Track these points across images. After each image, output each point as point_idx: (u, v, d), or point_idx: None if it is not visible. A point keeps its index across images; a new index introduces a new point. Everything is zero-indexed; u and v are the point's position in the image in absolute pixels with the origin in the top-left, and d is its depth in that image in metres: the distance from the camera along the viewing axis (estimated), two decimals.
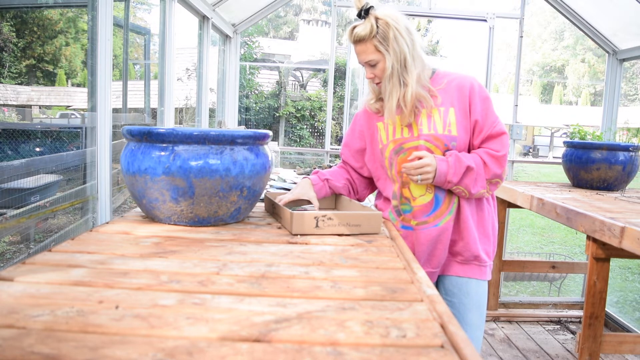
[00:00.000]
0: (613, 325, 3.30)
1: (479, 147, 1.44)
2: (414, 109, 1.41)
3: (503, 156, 1.41)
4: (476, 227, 1.48)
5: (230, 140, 1.24)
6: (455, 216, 1.46)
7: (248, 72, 11.24)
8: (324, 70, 12.00)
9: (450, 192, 1.44)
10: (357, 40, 1.37)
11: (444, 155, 1.42)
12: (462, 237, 1.47)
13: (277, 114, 11.79)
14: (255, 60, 11.41)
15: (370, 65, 1.40)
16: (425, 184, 1.41)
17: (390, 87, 1.39)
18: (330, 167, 2.97)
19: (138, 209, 1.48)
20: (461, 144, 1.42)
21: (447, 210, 1.45)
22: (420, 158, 1.38)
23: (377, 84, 1.45)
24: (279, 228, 1.32)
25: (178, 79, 8.98)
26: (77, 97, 11.51)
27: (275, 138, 8.90)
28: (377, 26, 1.34)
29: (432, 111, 1.42)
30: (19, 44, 11.00)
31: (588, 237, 1.96)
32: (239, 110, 4.70)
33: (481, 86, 1.44)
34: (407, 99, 1.38)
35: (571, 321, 3.41)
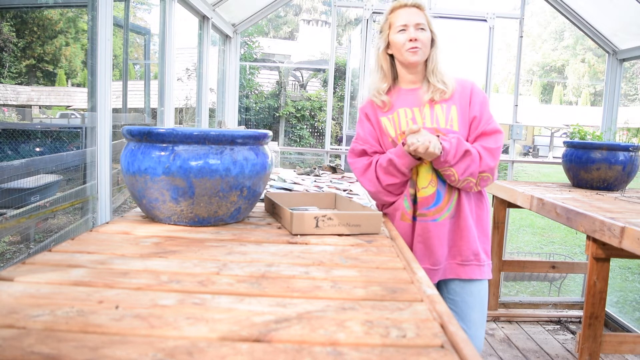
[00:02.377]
0: (613, 325, 3.30)
1: (474, 142, 1.50)
2: (433, 89, 1.51)
3: (497, 149, 1.46)
4: (475, 226, 1.52)
5: (230, 140, 1.24)
6: (454, 213, 1.49)
7: (248, 72, 11.24)
8: (324, 70, 12.00)
9: (450, 189, 1.48)
10: (414, 5, 1.50)
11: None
12: (462, 236, 1.50)
13: (277, 114, 11.80)
14: (255, 60, 11.41)
15: (420, 28, 1.48)
16: (423, 150, 1.37)
17: (434, 53, 1.52)
18: (331, 167, 2.97)
19: (138, 209, 1.48)
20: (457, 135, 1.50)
21: (445, 207, 1.48)
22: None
23: (413, 48, 1.48)
24: (279, 228, 1.32)
25: (178, 79, 8.99)
26: (77, 97, 11.50)
27: (275, 138, 8.90)
28: (427, 11, 1.54)
29: (435, 107, 1.49)
30: (19, 44, 10.99)
31: (588, 237, 1.96)
32: (239, 110, 4.70)
33: (480, 89, 1.56)
34: (437, 70, 1.52)
35: (571, 321, 3.41)
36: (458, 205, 1.49)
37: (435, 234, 1.48)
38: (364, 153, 1.59)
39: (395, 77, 1.59)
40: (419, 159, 1.45)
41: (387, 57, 1.56)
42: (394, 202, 1.56)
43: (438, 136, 1.42)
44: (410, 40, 1.47)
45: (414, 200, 1.51)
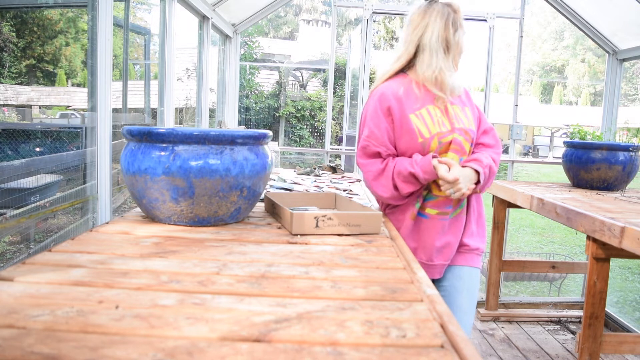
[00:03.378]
0: (613, 325, 3.30)
1: (479, 138, 1.57)
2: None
3: (500, 148, 1.60)
4: (476, 220, 1.59)
5: (230, 140, 1.24)
6: (465, 209, 1.55)
7: (248, 72, 11.24)
8: (324, 70, 12.00)
9: None
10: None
11: (470, 147, 1.52)
12: (467, 229, 1.56)
13: (277, 114, 11.80)
14: (255, 60, 11.41)
15: None
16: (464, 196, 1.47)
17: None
18: (331, 167, 2.96)
19: (138, 209, 1.48)
20: (475, 137, 1.56)
21: (459, 202, 1.53)
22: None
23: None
24: (279, 228, 1.32)
25: (178, 79, 8.98)
26: (77, 97, 11.49)
27: (275, 138, 8.90)
28: None
29: (454, 107, 1.51)
30: (19, 44, 10.99)
31: (588, 237, 1.96)
32: (239, 110, 4.70)
33: None
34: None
35: (571, 321, 3.41)
36: (468, 201, 1.56)
37: (452, 230, 1.52)
38: (377, 155, 1.49)
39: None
40: None
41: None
42: (405, 201, 1.55)
43: (477, 172, 1.44)
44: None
45: (427, 197, 1.51)
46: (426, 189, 1.50)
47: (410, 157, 1.46)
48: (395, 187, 1.46)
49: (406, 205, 1.53)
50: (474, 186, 1.44)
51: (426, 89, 1.48)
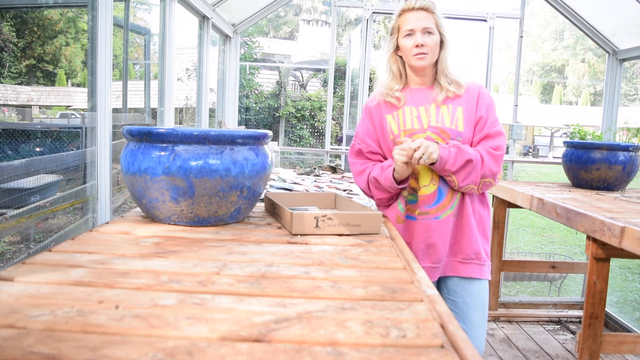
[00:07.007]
0: (613, 325, 3.30)
1: (478, 144, 1.50)
2: (446, 90, 1.51)
3: (500, 155, 1.48)
4: (477, 226, 1.53)
5: (230, 140, 1.24)
6: (457, 212, 1.51)
7: (248, 72, 11.24)
8: (324, 70, 12.00)
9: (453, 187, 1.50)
10: (422, 8, 1.48)
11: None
12: (464, 234, 1.51)
13: (277, 114, 11.80)
14: (255, 60, 11.41)
15: (428, 32, 1.47)
16: (426, 163, 1.39)
17: (443, 55, 1.51)
18: (331, 167, 2.97)
19: (138, 209, 1.48)
20: (466, 141, 1.49)
21: (448, 204, 1.49)
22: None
23: (420, 54, 1.47)
24: (279, 228, 1.32)
25: (178, 79, 8.98)
26: (77, 97, 11.49)
27: (275, 138, 8.90)
28: (437, 12, 1.50)
29: (441, 107, 1.50)
30: (19, 44, 10.99)
31: (588, 237, 1.96)
32: (239, 110, 4.70)
33: (488, 92, 1.57)
34: (447, 71, 1.52)
35: (571, 321, 3.41)
36: (462, 204, 1.50)
37: (438, 232, 1.49)
38: (360, 152, 1.62)
39: (406, 77, 1.59)
40: (403, 181, 1.48)
41: (397, 58, 1.56)
42: (390, 204, 1.59)
43: (438, 143, 1.43)
44: (417, 46, 1.47)
45: (410, 201, 1.52)
46: (405, 189, 1.51)
47: (388, 155, 1.57)
48: (370, 191, 1.58)
49: (392, 209, 1.56)
50: (433, 152, 1.37)
51: (406, 93, 1.56)
